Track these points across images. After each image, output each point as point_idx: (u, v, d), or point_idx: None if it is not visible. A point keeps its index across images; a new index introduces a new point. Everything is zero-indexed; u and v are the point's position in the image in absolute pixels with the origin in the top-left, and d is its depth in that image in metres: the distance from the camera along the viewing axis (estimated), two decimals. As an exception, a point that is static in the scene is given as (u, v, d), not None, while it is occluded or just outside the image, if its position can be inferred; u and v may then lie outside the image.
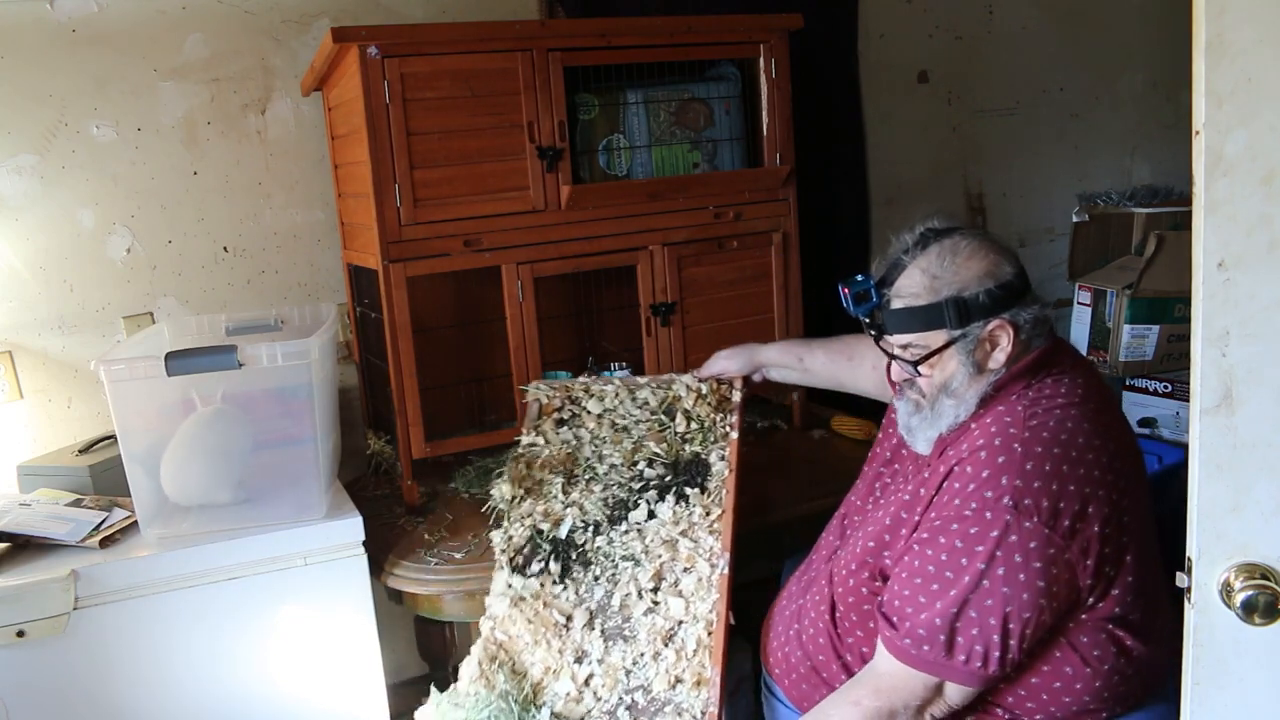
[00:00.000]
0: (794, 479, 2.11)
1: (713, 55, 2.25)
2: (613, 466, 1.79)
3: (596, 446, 1.84)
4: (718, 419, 1.84)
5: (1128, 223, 2.84)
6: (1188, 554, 1.01)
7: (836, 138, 2.90)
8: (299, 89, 2.35)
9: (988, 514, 1.28)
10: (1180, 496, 1.03)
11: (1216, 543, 1.00)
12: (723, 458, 1.76)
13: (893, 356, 1.45)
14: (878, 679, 1.36)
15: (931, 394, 1.42)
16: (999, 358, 1.38)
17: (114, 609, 1.70)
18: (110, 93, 2.21)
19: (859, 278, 1.44)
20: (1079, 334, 2.73)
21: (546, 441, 1.85)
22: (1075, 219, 3.03)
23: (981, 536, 1.28)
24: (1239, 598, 0.98)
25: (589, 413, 1.90)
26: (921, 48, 3.04)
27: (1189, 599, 1.01)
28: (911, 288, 1.39)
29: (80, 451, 2.03)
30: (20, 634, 1.63)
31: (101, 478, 1.94)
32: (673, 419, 1.86)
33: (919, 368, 1.41)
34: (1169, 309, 2.54)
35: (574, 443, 1.85)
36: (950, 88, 3.09)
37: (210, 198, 2.32)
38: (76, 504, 1.87)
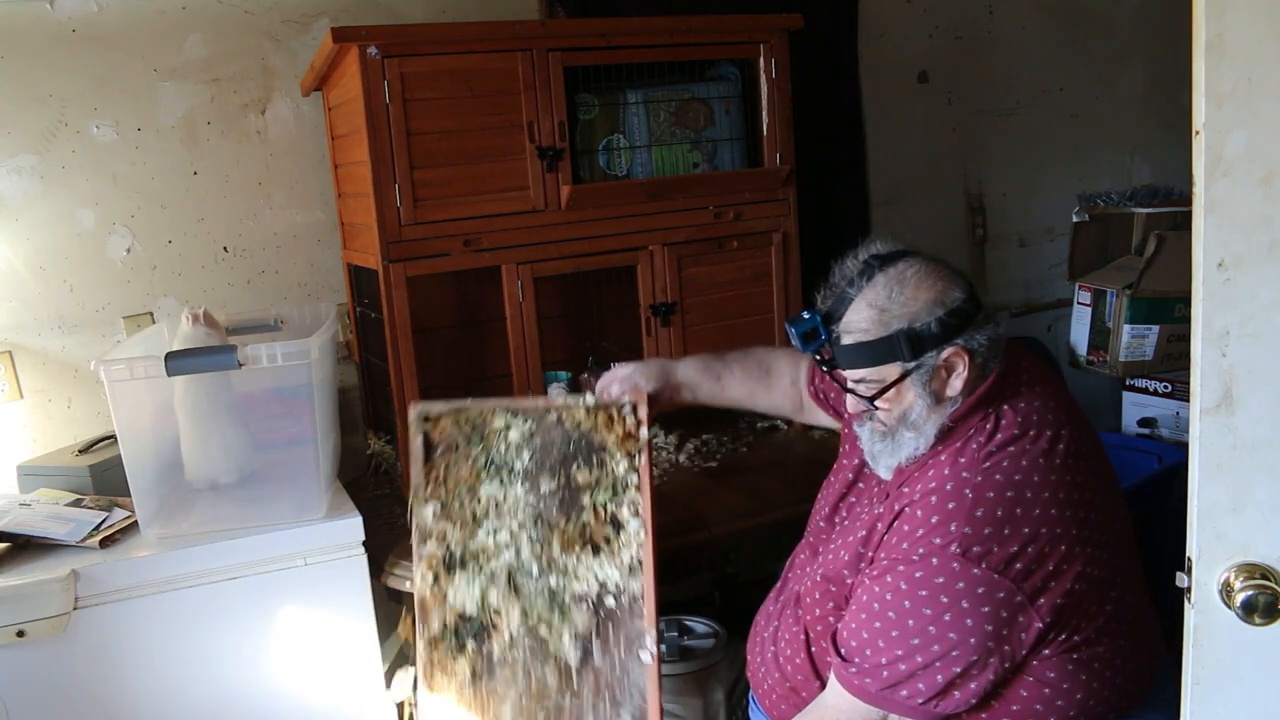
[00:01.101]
0: (794, 479, 2.11)
1: (713, 55, 2.25)
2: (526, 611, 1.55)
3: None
4: (623, 463, 1.55)
5: (1128, 223, 2.84)
6: (1188, 554, 1.01)
7: (836, 138, 2.89)
8: (299, 89, 2.34)
9: (934, 560, 1.27)
10: (1180, 496, 1.03)
11: (1216, 543, 1.00)
12: (636, 514, 1.53)
13: (847, 389, 1.42)
14: (823, 712, 1.37)
15: (891, 424, 1.39)
16: (956, 384, 1.35)
17: (114, 609, 1.69)
18: (110, 93, 2.21)
19: (805, 315, 1.39)
20: (1079, 334, 2.73)
21: (435, 580, 1.58)
22: (1075, 219, 3.03)
23: (926, 582, 1.27)
24: (1239, 598, 0.98)
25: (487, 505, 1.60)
26: (921, 48, 3.03)
27: (1189, 599, 1.01)
28: (860, 323, 1.35)
29: (80, 451, 2.03)
30: (20, 634, 1.63)
31: (101, 478, 1.94)
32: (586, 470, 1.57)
33: (875, 401, 1.38)
34: (1169, 309, 2.54)
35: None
36: (950, 88, 3.09)
37: (210, 198, 2.32)
38: (76, 504, 1.86)
